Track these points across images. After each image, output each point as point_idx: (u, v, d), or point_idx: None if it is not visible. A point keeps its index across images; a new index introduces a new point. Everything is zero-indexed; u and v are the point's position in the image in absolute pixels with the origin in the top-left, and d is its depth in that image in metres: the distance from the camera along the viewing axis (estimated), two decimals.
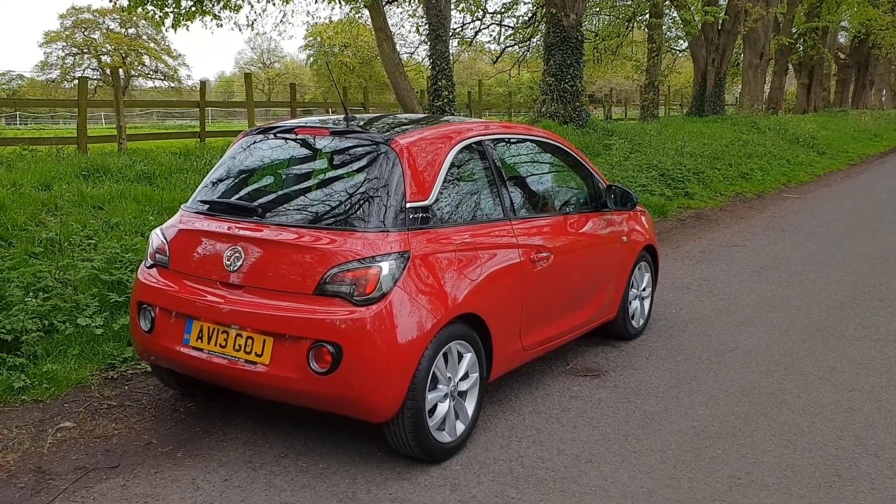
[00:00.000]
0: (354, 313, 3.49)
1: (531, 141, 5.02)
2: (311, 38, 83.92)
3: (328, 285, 3.56)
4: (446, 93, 12.38)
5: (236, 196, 4.16)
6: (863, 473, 3.74)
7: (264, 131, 4.40)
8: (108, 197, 7.36)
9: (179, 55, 68.54)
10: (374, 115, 4.87)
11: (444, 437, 3.82)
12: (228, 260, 3.79)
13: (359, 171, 3.91)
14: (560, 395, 4.71)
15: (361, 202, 3.77)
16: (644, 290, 5.97)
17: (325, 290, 3.57)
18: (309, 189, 3.97)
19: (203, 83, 14.65)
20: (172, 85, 65.20)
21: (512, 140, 4.81)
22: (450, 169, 4.08)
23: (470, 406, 3.99)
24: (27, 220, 6.43)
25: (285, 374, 3.59)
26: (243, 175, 4.28)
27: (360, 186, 3.83)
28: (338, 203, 3.82)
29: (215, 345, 3.78)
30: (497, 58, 26.74)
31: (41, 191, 7.33)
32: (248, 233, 3.82)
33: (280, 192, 4.04)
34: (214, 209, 4.10)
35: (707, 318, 6.41)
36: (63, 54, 61.53)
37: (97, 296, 5.38)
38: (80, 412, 4.32)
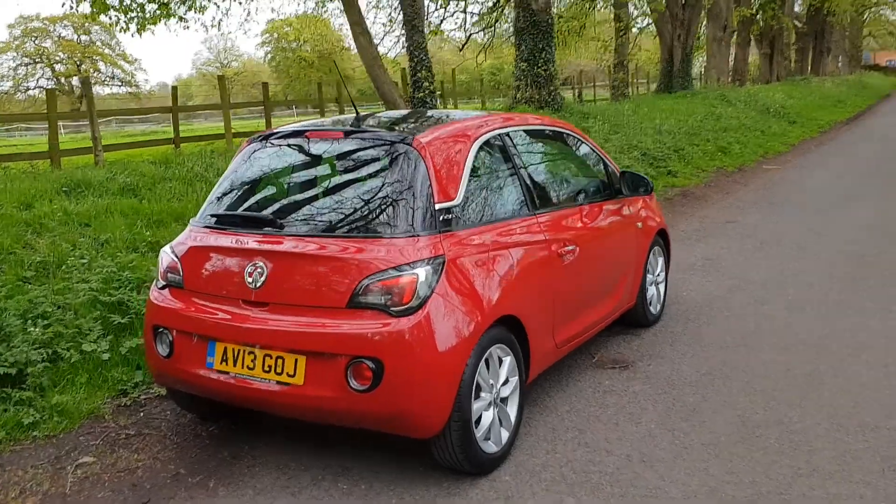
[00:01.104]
0: (393, 325, 3.31)
1: (544, 131, 4.86)
2: (268, 35, 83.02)
3: (361, 297, 3.38)
4: (427, 83, 12.17)
5: (250, 208, 3.95)
6: None
7: (270, 137, 4.19)
8: (94, 213, 7.06)
9: (135, 60, 67.10)
10: (383, 112, 4.67)
11: (491, 448, 3.65)
12: (250, 276, 3.58)
13: (380, 173, 3.72)
14: (593, 391, 4.57)
15: (387, 207, 3.58)
16: (658, 275, 5.86)
17: (358, 303, 3.38)
18: (329, 196, 3.76)
19: (175, 87, 14.26)
20: (130, 90, 63.96)
21: (527, 132, 4.65)
22: (473, 166, 3.91)
23: (512, 412, 3.83)
24: (13, 242, 6.12)
25: (322, 394, 3.40)
26: (255, 185, 4.07)
27: (384, 190, 3.64)
28: (362, 209, 3.63)
29: (242, 367, 3.58)
30: (463, 45, 26.51)
31: (23, 210, 7.01)
32: (269, 246, 3.62)
33: (298, 201, 3.82)
34: (228, 223, 3.89)
35: (721, 299, 6.31)
36: (14, 65, 59.98)
37: (99, 318, 5.12)
38: (98, 445, 4.09)
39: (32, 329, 4.65)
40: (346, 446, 3.98)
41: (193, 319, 3.73)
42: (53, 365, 4.64)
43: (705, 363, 4.92)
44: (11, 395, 4.33)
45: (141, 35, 12.82)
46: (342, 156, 3.88)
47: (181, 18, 12.63)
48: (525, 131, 4.59)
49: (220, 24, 18.06)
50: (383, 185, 3.66)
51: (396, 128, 3.99)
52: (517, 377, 3.84)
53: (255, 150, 4.17)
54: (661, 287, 5.90)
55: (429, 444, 3.56)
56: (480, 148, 4.02)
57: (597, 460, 3.73)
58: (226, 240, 3.78)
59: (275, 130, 4.25)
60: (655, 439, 3.91)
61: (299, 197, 3.84)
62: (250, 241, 3.68)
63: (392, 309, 3.34)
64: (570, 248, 4.34)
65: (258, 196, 4.00)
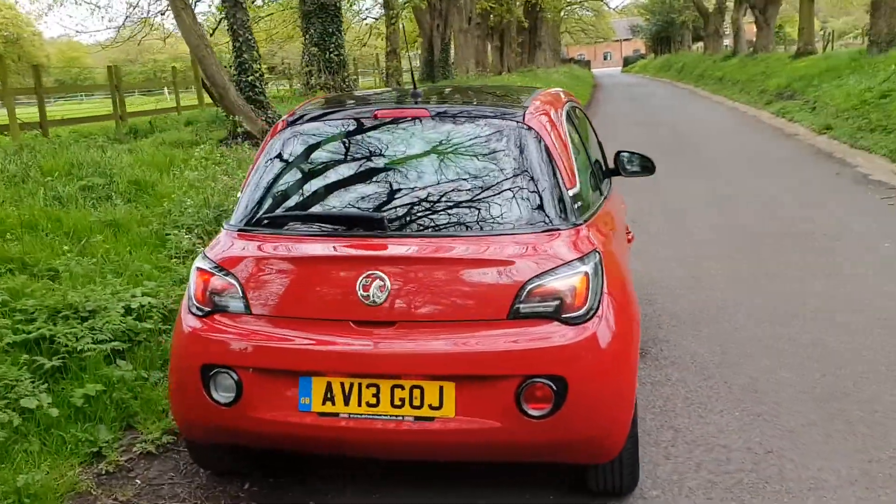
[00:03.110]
0: (572, 335, 2.79)
1: (576, 107, 4.48)
2: None
3: (525, 305, 2.81)
4: (256, 66, 11.06)
5: (331, 205, 3.15)
6: None
7: (317, 118, 3.39)
8: None
9: None
10: (436, 85, 3.94)
11: None
12: (366, 290, 2.84)
13: (494, 158, 3.15)
14: (640, 384, 4.31)
15: (517, 197, 3.05)
16: None
17: (521, 312, 2.81)
18: (437, 188, 3.09)
19: None
20: None
21: (576, 108, 4.26)
22: (570, 144, 3.46)
23: None
24: None
25: (482, 426, 2.78)
26: (317, 177, 3.26)
27: (505, 178, 3.09)
28: (485, 202, 3.04)
29: (360, 405, 2.84)
30: (213, 30, 24.77)
31: None
32: (387, 252, 2.90)
33: (398, 196, 3.09)
34: (301, 226, 3.08)
35: (655, 280, 6.34)
36: None
37: (21, 364, 3.88)
38: None
39: None
40: (436, 481, 3.35)
41: (275, 352, 2.90)
42: None
43: (714, 342, 4.86)
44: None
45: None
46: (437, 139, 3.22)
47: None
48: (575, 108, 4.20)
49: None
50: (501, 171, 3.10)
51: (489, 103, 3.43)
52: None
53: (299, 134, 3.35)
54: None
55: (582, 469, 3.09)
56: (565, 124, 3.58)
57: (724, 459, 3.48)
58: (314, 248, 2.98)
59: (320, 110, 3.45)
60: (755, 426, 3.75)
61: (397, 190, 3.12)
62: (360, 247, 2.92)
63: (565, 316, 2.81)
64: (630, 233, 4.05)
65: (332, 191, 3.20)
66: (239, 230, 3.17)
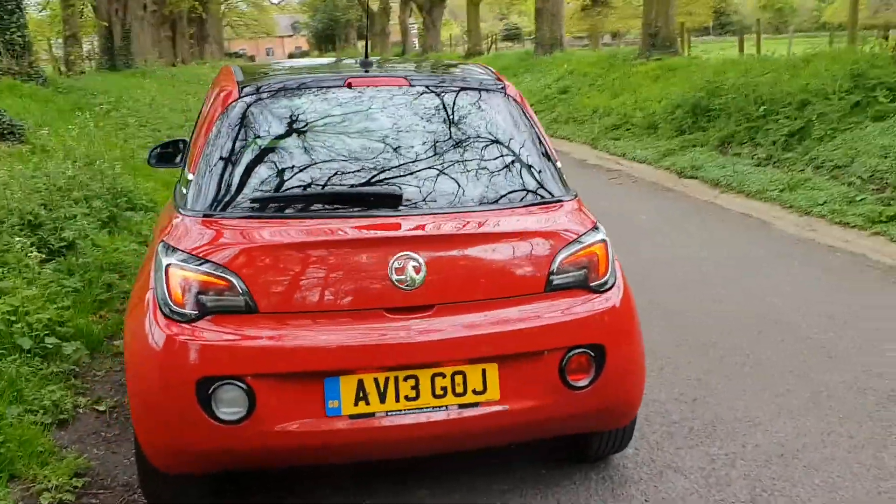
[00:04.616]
0: (603, 303, 2.81)
1: None
2: None
3: (557, 276, 2.77)
4: (19, 19, 8.94)
5: (326, 184, 2.77)
6: None
7: (279, 87, 2.98)
8: None
9: None
10: (382, 57, 3.46)
11: None
12: (400, 274, 2.58)
13: (491, 129, 3.09)
14: None
15: (524, 169, 3.02)
16: None
17: (553, 284, 2.76)
18: (442, 162, 2.89)
19: None
20: None
21: None
22: None
23: None
24: None
25: (528, 405, 2.70)
26: (298, 153, 2.85)
27: (508, 149, 3.05)
28: (497, 174, 2.97)
29: (398, 400, 2.58)
30: None
31: None
32: (420, 231, 2.66)
33: (402, 172, 2.82)
34: (301, 206, 2.71)
35: None
36: None
37: None
38: None
39: None
40: (438, 472, 3.15)
41: (296, 353, 2.52)
42: None
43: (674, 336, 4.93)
44: None
45: None
46: (423, 110, 3.02)
47: None
48: None
49: None
50: (499, 143, 3.04)
51: (450, 74, 3.28)
52: None
53: (259, 105, 2.91)
54: None
55: (584, 437, 3.11)
56: None
57: (663, 410, 3.71)
58: (335, 231, 2.62)
59: (276, 78, 3.03)
60: (667, 379, 4.04)
61: (395, 165, 2.84)
62: (380, 229, 2.64)
63: (592, 285, 2.82)
64: None
65: (321, 168, 2.81)
66: (205, 216, 2.68)
